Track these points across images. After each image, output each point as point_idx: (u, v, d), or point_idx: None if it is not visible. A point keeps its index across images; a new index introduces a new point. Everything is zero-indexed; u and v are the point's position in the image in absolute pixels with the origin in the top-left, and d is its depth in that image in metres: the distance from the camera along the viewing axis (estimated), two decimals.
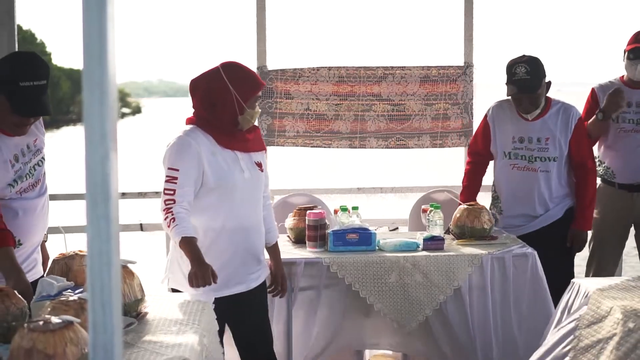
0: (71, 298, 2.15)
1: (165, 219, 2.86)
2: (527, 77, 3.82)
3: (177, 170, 2.89)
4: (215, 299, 2.92)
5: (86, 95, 1.24)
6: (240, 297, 3.05)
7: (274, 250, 3.28)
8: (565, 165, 3.96)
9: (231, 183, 2.95)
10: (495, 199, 4.12)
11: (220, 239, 2.98)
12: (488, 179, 4.27)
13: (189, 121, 3.03)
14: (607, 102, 4.10)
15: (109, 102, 1.25)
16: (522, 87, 3.84)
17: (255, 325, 3.16)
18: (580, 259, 4.27)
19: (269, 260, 3.27)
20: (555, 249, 3.93)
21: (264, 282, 3.18)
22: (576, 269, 4.18)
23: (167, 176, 2.90)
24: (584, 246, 4.02)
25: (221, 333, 3.04)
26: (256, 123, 3.17)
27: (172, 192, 2.87)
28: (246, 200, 3.00)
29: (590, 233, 4.20)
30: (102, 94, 1.25)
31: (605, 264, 4.27)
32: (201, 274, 2.76)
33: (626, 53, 4.18)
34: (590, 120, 4.12)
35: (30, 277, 2.85)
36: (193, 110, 3.05)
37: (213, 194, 2.95)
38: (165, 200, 2.87)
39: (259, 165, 3.08)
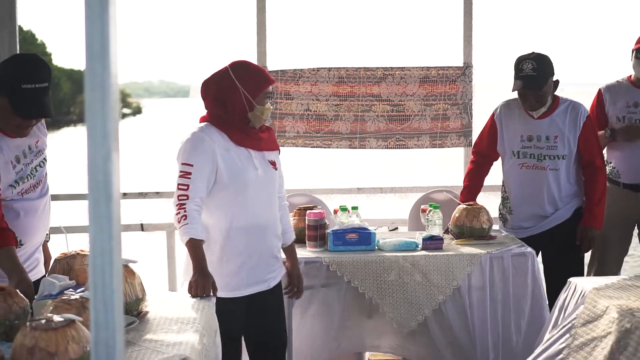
0: (73, 297, 2.17)
1: (176, 214, 2.86)
2: (533, 73, 3.83)
3: (191, 165, 2.90)
4: (234, 298, 2.96)
5: (88, 95, 1.26)
6: (258, 296, 3.06)
7: (290, 250, 3.28)
8: (574, 164, 3.95)
9: (244, 180, 2.96)
10: (505, 199, 4.11)
11: (236, 238, 2.98)
12: (491, 179, 4.28)
13: (203, 119, 3.05)
14: (623, 130, 4.11)
15: (110, 102, 1.26)
16: (527, 83, 3.84)
17: (270, 325, 3.16)
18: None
19: (286, 260, 3.28)
20: (564, 248, 3.93)
21: (280, 283, 3.19)
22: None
23: (180, 171, 2.92)
24: (593, 244, 4.00)
25: (242, 332, 3.04)
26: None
27: (185, 187, 2.88)
28: (260, 198, 3.01)
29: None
30: (104, 94, 1.26)
31: (607, 263, 4.26)
32: (202, 284, 2.77)
33: (634, 52, 4.17)
34: (600, 133, 4.13)
35: (32, 276, 2.87)
36: (206, 110, 3.07)
37: (227, 191, 2.95)
38: (178, 196, 2.88)
39: (273, 164, 3.09)
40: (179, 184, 2.89)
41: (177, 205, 2.87)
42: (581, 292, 2.94)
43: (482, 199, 4.23)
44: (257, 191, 2.99)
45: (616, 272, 4.29)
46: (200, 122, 3.04)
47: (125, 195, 4.80)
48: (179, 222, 2.85)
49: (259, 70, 3.06)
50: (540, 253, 4.00)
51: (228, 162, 2.94)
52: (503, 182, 4.12)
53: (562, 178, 3.92)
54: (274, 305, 3.15)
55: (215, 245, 2.96)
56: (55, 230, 3.26)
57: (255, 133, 3.04)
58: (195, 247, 2.84)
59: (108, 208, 1.27)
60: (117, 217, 1.28)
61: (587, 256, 4.22)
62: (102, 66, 1.26)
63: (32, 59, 2.85)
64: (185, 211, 2.85)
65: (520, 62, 3.87)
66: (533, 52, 3.92)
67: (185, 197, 2.87)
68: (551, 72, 3.89)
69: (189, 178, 2.88)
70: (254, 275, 3.02)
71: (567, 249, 3.95)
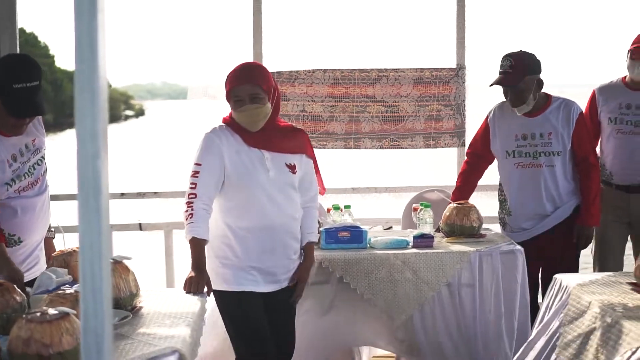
0: (68, 291, 2.25)
1: (185, 212, 2.99)
2: (509, 70, 3.90)
3: (200, 165, 3.02)
4: (251, 292, 3.07)
5: (77, 97, 1.32)
6: (273, 295, 3.14)
7: (305, 252, 3.28)
8: (570, 162, 3.99)
9: (253, 181, 3.03)
10: (502, 202, 4.14)
11: (248, 237, 3.06)
12: (485, 179, 4.34)
13: (224, 120, 3.14)
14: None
15: (99, 103, 1.33)
16: (502, 79, 3.92)
17: (281, 325, 3.22)
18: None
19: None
20: (564, 247, 3.97)
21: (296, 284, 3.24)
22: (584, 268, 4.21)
23: (192, 171, 3.04)
24: (589, 242, 4.05)
25: (264, 327, 3.09)
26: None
27: (194, 186, 3.00)
28: (273, 200, 3.06)
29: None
30: (93, 96, 1.33)
31: (608, 264, 4.29)
32: (197, 281, 2.89)
33: (629, 53, 4.19)
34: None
35: (33, 274, 2.94)
36: None
37: (238, 191, 3.04)
38: (188, 194, 3.01)
39: (292, 167, 3.13)
40: (189, 183, 3.02)
41: (186, 203, 3.00)
42: (566, 288, 3.01)
43: (475, 198, 4.29)
44: (268, 193, 3.05)
45: (620, 269, 4.28)
46: (222, 122, 3.14)
47: (123, 195, 4.88)
48: (186, 219, 2.99)
49: (230, 74, 3.07)
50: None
51: (236, 163, 3.03)
52: (500, 186, 4.16)
53: (559, 175, 3.96)
54: (286, 306, 3.22)
55: (229, 243, 3.06)
56: (54, 229, 3.33)
57: (270, 134, 3.09)
58: (196, 246, 2.97)
59: (97, 204, 1.33)
60: (106, 212, 1.34)
61: (586, 255, 4.28)
62: (90, 69, 1.32)
63: (22, 59, 2.94)
64: (192, 209, 2.97)
65: (502, 59, 3.96)
66: (520, 50, 3.99)
67: (193, 196, 2.99)
68: (531, 70, 3.92)
69: (197, 177, 3.01)
70: (267, 275, 3.10)
71: (566, 247, 3.99)
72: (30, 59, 2.92)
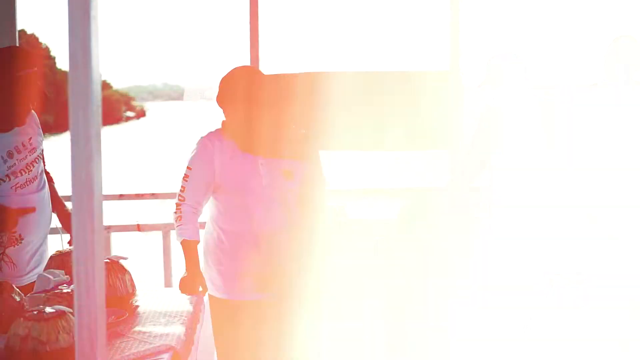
0: (65, 290, 2.30)
1: (174, 213, 3.04)
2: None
3: (191, 169, 3.04)
4: (241, 302, 3.07)
5: (72, 102, 1.38)
6: (264, 304, 3.10)
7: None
8: None
9: (244, 188, 3.02)
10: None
11: (242, 244, 3.04)
12: None
13: (222, 124, 3.13)
14: None
15: (92, 108, 1.38)
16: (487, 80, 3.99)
17: (272, 333, 3.16)
18: None
19: None
20: None
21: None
22: None
23: (183, 174, 3.06)
24: None
25: (250, 336, 3.11)
26: None
27: (183, 190, 3.04)
28: (266, 207, 3.03)
29: None
30: (87, 101, 1.38)
31: None
32: (191, 282, 2.92)
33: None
34: None
35: (36, 275, 2.97)
36: None
37: (229, 197, 3.04)
38: (178, 196, 3.05)
39: (289, 173, 3.07)
40: (180, 186, 3.06)
41: (175, 204, 3.04)
42: None
43: None
44: (261, 200, 3.02)
45: None
46: (220, 126, 3.12)
47: (122, 196, 4.92)
48: (176, 221, 3.02)
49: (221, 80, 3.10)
50: None
51: (228, 169, 3.01)
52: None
53: None
54: (281, 315, 3.15)
55: (224, 247, 3.07)
56: (53, 230, 3.38)
57: (269, 139, 3.05)
58: (187, 248, 3.00)
59: (90, 204, 1.39)
60: (99, 212, 1.40)
61: None
62: (84, 77, 1.37)
63: (18, 48, 3.10)
64: (181, 212, 3.01)
65: (486, 60, 4.02)
66: (503, 51, 4.06)
67: (182, 199, 3.03)
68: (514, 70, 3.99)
69: (187, 181, 3.03)
70: (261, 282, 3.07)
71: None
72: (25, 48, 3.07)
